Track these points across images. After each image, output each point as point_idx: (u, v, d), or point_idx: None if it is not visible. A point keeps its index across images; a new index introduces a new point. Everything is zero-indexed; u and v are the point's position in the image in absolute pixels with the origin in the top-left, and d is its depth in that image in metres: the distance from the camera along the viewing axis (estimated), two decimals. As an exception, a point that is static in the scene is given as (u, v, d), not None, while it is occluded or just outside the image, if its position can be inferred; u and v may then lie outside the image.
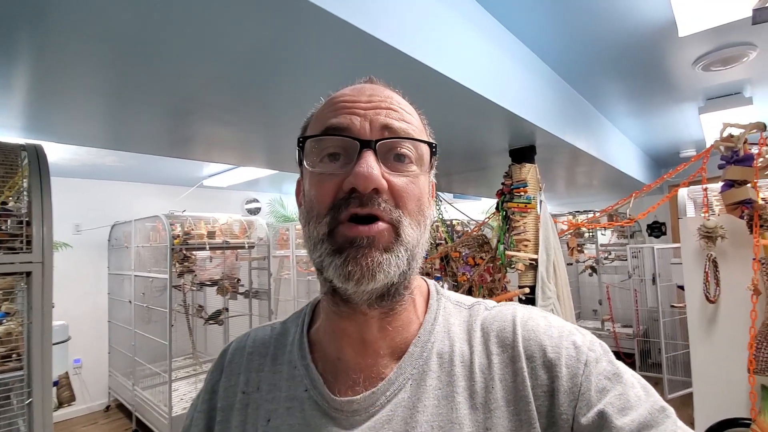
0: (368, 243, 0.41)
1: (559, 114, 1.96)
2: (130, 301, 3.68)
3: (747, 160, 1.84)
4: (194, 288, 3.45)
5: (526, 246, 1.90)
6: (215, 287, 3.57)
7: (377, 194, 0.42)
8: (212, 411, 0.53)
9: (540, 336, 0.45)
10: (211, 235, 3.43)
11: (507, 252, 1.92)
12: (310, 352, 0.51)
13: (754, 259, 1.83)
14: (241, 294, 3.70)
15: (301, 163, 0.48)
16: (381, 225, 0.42)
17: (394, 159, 0.45)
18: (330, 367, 0.49)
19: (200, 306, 3.71)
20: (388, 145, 0.44)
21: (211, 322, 3.56)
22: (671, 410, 0.41)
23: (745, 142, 1.89)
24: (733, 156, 1.88)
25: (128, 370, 3.76)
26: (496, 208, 2.06)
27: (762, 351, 1.78)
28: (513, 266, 1.90)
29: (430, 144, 0.47)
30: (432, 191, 0.52)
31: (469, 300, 0.54)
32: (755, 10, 1.02)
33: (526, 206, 1.90)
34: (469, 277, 2.09)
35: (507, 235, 1.97)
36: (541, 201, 1.94)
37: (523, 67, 1.68)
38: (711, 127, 2.63)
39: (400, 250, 0.43)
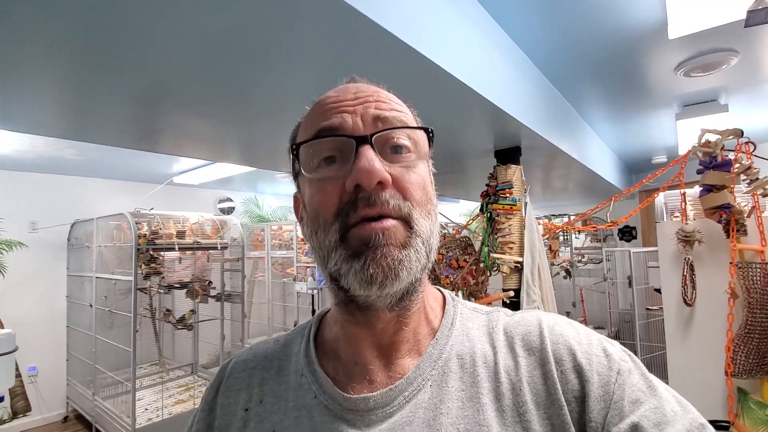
0: (384, 240, 0.40)
1: (545, 115, 1.94)
2: (90, 305, 3.46)
3: (725, 165, 1.87)
4: (162, 291, 3.26)
5: (510, 248, 1.86)
6: (185, 290, 3.40)
7: (383, 188, 0.41)
8: (209, 429, 0.51)
9: (569, 340, 0.44)
10: (180, 234, 3.27)
11: (492, 254, 1.88)
12: (319, 359, 0.49)
13: (731, 263, 1.87)
14: (213, 297, 3.54)
15: (297, 175, 0.48)
16: (392, 220, 0.41)
17: (391, 151, 0.44)
18: (345, 371, 0.47)
19: (168, 310, 3.53)
20: (383, 138, 0.43)
21: (180, 326, 3.38)
22: (711, 429, 0.39)
23: (722, 149, 1.92)
24: (712, 161, 1.90)
25: (88, 378, 3.53)
26: (481, 209, 2.02)
27: (739, 354, 1.81)
28: (497, 269, 1.86)
29: (426, 130, 0.46)
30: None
31: (485, 307, 0.53)
32: (750, 12, 1.01)
33: (511, 208, 1.87)
34: (452, 280, 2.04)
35: (491, 237, 1.93)
36: (526, 203, 1.91)
37: (511, 64, 1.63)
38: (686, 133, 2.69)
39: (418, 243, 0.42)
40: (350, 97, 0.45)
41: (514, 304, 1.83)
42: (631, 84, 2.12)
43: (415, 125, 0.46)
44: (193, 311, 3.47)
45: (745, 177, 1.91)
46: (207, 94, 1.39)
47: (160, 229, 3.20)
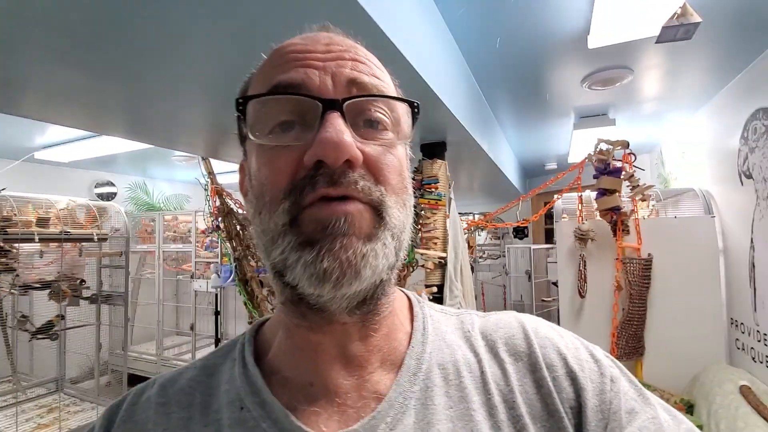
0: (346, 227, 0.32)
1: (471, 110, 1.96)
2: None
3: (616, 172, 2.10)
4: (15, 292, 2.64)
5: (435, 244, 1.86)
6: (47, 290, 2.80)
7: (351, 168, 0.34)
8: None
9: (557, 344, 0.40)
10: (42, 222, 2.68)
11: (416, 250, 1.85)
12: (268, 385, 0.38)
13: (617, 258, 2.11)
14: (86, 299, 2.99)
15: (244, 139, 0.39)
16: (359, 204, 0.34)
17: (364, 125, 0.36)
18: (301, 397, 0.37)
19: (24, 316, 2.87)
20: (357, 107, 0.35)
21: (40, 336, 2.78)
22: None
23: (612, 157, 2.16)
24: (606, 168, 2.12)
25: None
26: (405, 203, 1.98)
27: (622, 338, 2.06)
28: (422, 264, 1.84)
29: (411, 104, 0.39)
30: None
31: (451, 309, 0.48)
32: (664, 28, 1.10)
33: (436, 203, 1.86)
34: (374, 275, 1.96)
35: (415, 232, 1.90)
36: (450, 198, 1.92)
37: (441, 47, 1.57)
38: (579, 143, 2.99)
39: (386, 237, 0.35)
40: (320, 48, 0.37)
41: (436, 300, 1.82)
42: (544, 91, 2.27)
43: (398, 97, 0.38)
44: (60, 316, 2.88)
45: (629, 183, 2.18)
46: (83, 36, 1.06)
47: (14, 215, 2.58)
